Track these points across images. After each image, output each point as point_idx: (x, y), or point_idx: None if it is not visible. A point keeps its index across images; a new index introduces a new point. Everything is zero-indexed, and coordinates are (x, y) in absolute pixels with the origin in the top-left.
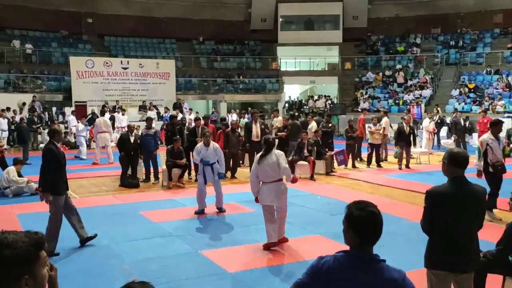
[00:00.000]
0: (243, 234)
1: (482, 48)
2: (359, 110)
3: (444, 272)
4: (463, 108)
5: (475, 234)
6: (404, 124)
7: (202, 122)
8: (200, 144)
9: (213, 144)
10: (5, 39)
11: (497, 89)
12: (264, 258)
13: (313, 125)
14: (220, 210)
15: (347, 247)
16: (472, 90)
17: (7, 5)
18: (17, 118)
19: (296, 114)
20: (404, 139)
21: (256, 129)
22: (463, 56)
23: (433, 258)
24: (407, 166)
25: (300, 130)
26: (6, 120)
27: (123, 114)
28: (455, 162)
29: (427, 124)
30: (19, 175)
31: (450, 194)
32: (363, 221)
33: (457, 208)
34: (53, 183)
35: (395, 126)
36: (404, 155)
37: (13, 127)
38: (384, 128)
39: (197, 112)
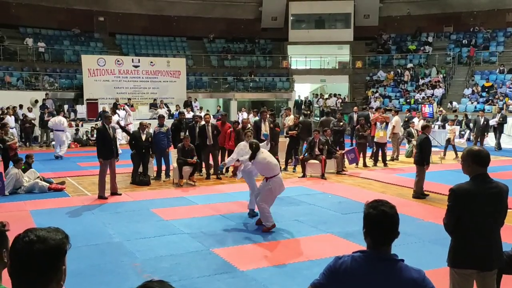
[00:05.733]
0: (254, 232)
1: (495, 47)
2: (373, 108)
3: (469, 271)
4: (475, 107)
5: (498, 231)
6: (412, 129)
7: (212, 119)
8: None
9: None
10: (18, 37)
11: (510, 88)
12: (275, 257)
13: (290, 118)
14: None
15: (359, 246)
16: (486, 90)
17: (21, 4)
18: (30, 116)
19: (309, 112)
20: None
21: (265, 128)
22: (475, 55)
23: (458, 257)
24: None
25: (311, 129)
26: (13, 118)
27: (118, 112)
28: (478, 161)
29: (417, 123)
30: (22, 170)
31: (474, 192)
32: (373, 220)
33: (481, 206)
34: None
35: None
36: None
37: (27, 124)
38: (394, 127)
39: (207, 110)
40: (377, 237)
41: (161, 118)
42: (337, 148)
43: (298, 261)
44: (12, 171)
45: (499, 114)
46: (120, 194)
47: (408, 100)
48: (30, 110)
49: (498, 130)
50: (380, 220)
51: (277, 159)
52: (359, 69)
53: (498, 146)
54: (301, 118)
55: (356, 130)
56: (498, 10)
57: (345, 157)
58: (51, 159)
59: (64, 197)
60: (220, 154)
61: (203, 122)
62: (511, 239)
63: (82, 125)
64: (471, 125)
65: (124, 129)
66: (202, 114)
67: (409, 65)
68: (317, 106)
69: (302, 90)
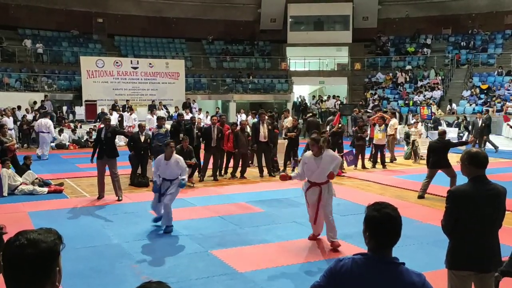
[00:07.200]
0: (253, 234)
1: (494, 49)
2: (370, 110)
3: (467, 273)
4: (474, 109)
5: (496, 233)
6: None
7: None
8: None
9: (175, 157)
10: (17, 39)
11: (508, 90)
12: (274, 258)
13: (288, 120)
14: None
15: (357, 248)
16: (485, 92)
17: (19, 5)
18: (29, 117)
19: (314, 113)
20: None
21: (263, 130)
22: (474, 57)
23: (457, 259)
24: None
25: (317, 128)
26: (11, 119)
27: (130, 114)
28: (476, 163)
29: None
30: (20, 171)
31: (472, 194)
32: (376, 223)
33: (479, 207)
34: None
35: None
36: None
37: (25, 126)
38: (396, 128)
39: (207, 112)
40: (380, 240)
41: (160, 119)
42: (336, 150)
43: (296, 263)
44: (3, 171)
45: (485, 116)
46: (120, 200)
47: (407, 102)
48: (28, 111)
49: (485, 131)
50: (384, 223)
51: (276, 160)
52: (357, 71)
53: (485, 146)
54: (300, 120)
55: (354, 132)
56: (496, 12)
57: (344, 158)
58: (49, 160)
59: (63, 199)
60: (220, 157)
61: (202, 124)
62: (509, 241)
63: (80, 127)
64: (470, 127)
65: (122, 131)
66: (201, 116)
67: (408, 67)
68: (316, 107)
69: (301, 91)
